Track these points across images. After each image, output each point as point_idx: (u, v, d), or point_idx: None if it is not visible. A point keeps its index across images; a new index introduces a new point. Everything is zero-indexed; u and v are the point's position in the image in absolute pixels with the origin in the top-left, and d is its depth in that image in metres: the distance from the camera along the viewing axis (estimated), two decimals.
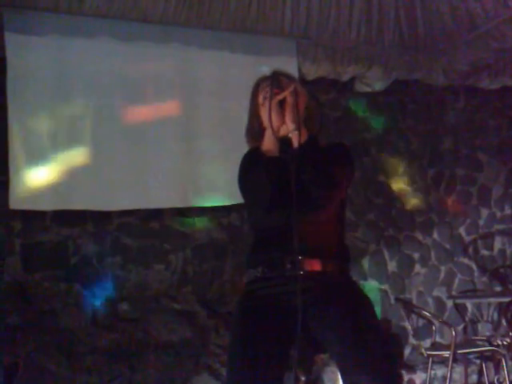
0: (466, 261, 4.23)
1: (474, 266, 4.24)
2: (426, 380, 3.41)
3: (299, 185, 1.48)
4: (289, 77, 1.63)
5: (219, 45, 3.40)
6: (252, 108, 1.64)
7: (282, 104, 1.51)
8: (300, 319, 1.38)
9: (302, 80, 3.60)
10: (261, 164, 1.51)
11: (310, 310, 1.47)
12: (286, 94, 1.50)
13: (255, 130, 1.63)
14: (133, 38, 3.23)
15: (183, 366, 3.23)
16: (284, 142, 1.54)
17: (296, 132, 1.49)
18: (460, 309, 3.84)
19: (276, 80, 1.54)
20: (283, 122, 1.52)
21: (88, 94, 3.15)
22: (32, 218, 3.06)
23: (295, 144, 1.50)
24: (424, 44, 3.80)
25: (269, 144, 1.53)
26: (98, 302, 3.15)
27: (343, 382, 1.42)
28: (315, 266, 1.50)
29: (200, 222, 3.44)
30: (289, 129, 1.51)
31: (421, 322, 3.46)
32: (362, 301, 1.54)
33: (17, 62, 2.97)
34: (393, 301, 3.85)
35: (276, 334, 1.45)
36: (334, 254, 1.56)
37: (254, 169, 1.52)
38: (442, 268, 4.15)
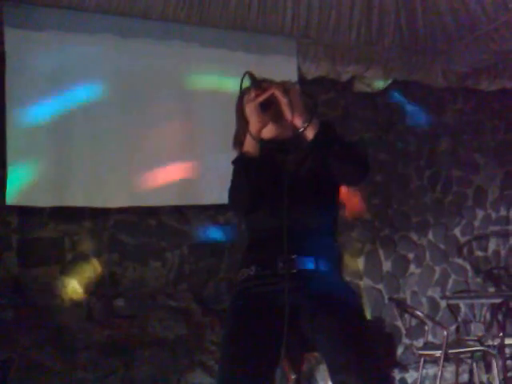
0: (460, 261, 4.27)
1: (468, 267, 4.27)
2: (417, 379, 3.45)
3: (297, 184, 1.50)
4: (271, 81, 1.59)
5: (219, 43, 3.39)
6: (239, 118, 1.63)
7: (264, 106, 1.49)
8: (287, 317, 1.39)
9: (302, 79, 3.61)
10: (241, 166, 1.52)
11: (301, 309, 1.49)
12: (267, 95, 1.48)
13: (243, 139, 1.61)
14: (132, 34, 3.21)
15: (178, 362, 3.25)
16: (294, 140, 1.53)
17: (305, 125, 1.47)
18: (453, 309, 3.88)
19: (255, 82, 1.52)
20: (264, 123, 1.51)
21: (86, 90, 3.13)
22: (29, 213, 3.06)
23: (310, 136, 1.49)
24: (424, 45, 3.80)
25: (248, 146, 1.52)
26: (93, 299, 3.16)
27: (331, 381, 1.44)
28: (308, 265, 1.52)
29: (197, 220, 3.45)
30: (298, 126, 1.49)
31: (414, 321, 3.50)
32: (352, 301, 1.56)
33: (16, 57, 2.96)
34: (387, 300, 3.89)
35: (267, 331, 1.46)
36: (326, 254, 1.58)
37: (237, 172, 1.54)
38: (437, 268, 4.18)
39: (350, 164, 1.51)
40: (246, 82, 1.55)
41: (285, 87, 1.49)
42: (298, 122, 1.49)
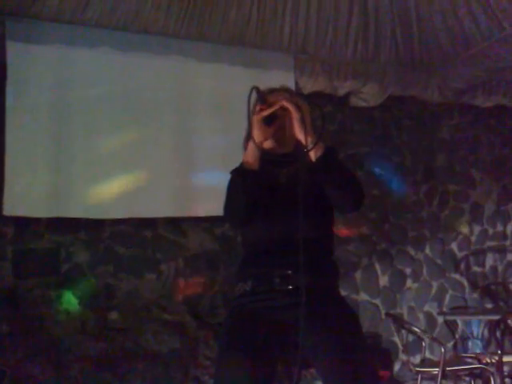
0: (457, 277, 4.25)
1: (466, 283, 4.26)
2: None
3: (294, 198, 1.48)
4: (289, 91, 1.61)
5: (218, 58, 3.43)
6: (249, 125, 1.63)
7: (268, 121, 1.50)
8: (302, 332, 1.39)
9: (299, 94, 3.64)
10: (239, 176, 1.52)
11: (299, 325, 1.47)
12: (272, 110, 1.48)
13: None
14: (133, 49, 3.25)
15: (171, 377, 3.21)
16: (292, 154, 1.54)
17: (311, 146, 1.48)
18: (451, 325, 3.85)
19: (260, 96, 1.52)
20: (266, 137, 1.52)
21: (86, 103, 3.16)
22: (25, 224, 3.06)
23: (313, 158, 1.49)
24: (420, 61, 3.85)
25: (248, 156, 1.53)
26: (87, 311, 3.14)
27: None
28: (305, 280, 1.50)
29: (193, 232, 3.45)
30: (305, 144, 1.49)
31: (411, 337, 3.46)
32: (349, 317, 1.55)
33: (17, 70, 2.99)
34: (384, 315, 3.86)
35: (263, 347, 1.45)
36: (323, 270, 1.58)
37: (234, 181, 1.54)
38: (434, 284, 4.16)
39: (345, 193, 1.52)
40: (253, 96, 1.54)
41: (297, 102, 1.49)
42: (306, 141, 1.48)
